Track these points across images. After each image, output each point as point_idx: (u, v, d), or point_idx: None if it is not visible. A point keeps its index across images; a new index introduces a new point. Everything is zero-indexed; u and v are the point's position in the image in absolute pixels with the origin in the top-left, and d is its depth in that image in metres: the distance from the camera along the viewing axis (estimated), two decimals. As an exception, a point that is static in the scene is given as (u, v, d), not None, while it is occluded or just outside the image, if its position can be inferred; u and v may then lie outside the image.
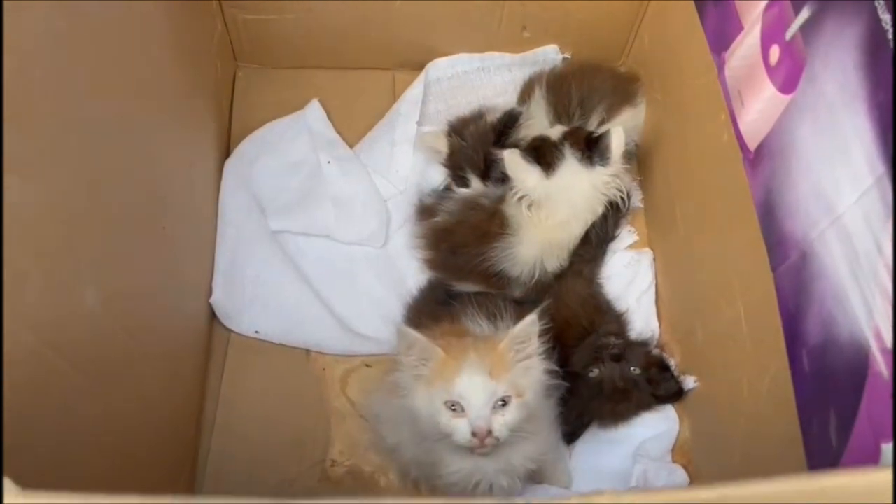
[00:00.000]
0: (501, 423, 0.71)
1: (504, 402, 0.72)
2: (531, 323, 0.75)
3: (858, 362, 0.55)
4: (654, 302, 1.00)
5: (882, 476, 0.34)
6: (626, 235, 1.05)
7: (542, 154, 0.95)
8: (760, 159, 0.72)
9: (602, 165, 0.95)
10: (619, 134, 0.94)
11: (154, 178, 0.81)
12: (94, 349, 0.64)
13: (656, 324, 0.99)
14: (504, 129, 1.00)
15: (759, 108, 0.71)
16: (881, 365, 0.53)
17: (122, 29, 0.73)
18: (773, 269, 0.70)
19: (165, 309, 0.85)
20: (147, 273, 0.78)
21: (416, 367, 0.75)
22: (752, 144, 0.73)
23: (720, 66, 0.80)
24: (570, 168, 0.94)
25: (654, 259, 1.03)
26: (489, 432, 0.70)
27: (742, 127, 0.75)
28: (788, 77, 0.66)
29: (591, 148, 0.95)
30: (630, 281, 1.02)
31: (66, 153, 0.59)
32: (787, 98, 0.67)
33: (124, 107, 0.72)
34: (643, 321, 0.99)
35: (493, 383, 0.71)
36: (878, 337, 0.54)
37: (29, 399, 0.52)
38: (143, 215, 0.77)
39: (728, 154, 0.79)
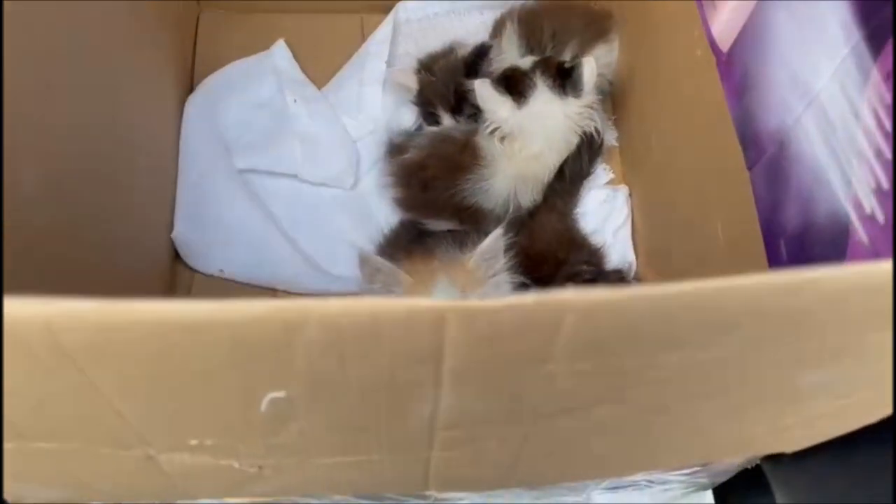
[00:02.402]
0: None
1: None
2: (497, 238, 0.74)
3: (838, 236, 0.53)
4: (630, 236, 0.98)
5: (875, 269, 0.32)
6: (602, 173, 1.03)
7: (514, 84, 0.93)
8: (734, 59, 0.70)
9: (574, 97, 0.93)
10: (590, 64, 0.92)
11: (110, 103, 0.78)
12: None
13: (633, 256, 0.97)
14: (475, 61, 0.98)
15: (732, 6, 0.69)
16: (861, 233, 0.51)
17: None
18: (749, 168, 0.67)
19: (123, 242, 0.82)
20: (102, 203, 0.75)
21: (382, 296, 0.72)
22: (726, 45, 0.71)
23: (692, -25, 0.78)
24: (543, 97, 0.92)
25: (630, 195, 1.01)
26: None
27: (715, 30, 0.73)
28: (760, -36, 0.64)
29: (563, 77, 0.93)
30: (606, 217, 1.00)
31: (14, 79, 0.56)
32: (759, -11, 0.65)
33: (77, 32, 0.69)
34: (620, 255, 0.97)
35: None
36: (858, 206, 0.52)
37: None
38: (97, 141, 0.74)
39: (702, 68, 0.77)
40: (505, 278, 0.77)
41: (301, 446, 0.41)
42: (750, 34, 0.67)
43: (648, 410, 0.42)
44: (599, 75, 0.97)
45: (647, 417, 0.44)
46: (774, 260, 0.63)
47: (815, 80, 0.58)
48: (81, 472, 0.45)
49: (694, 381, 0.39)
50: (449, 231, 0.97)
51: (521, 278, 0.80)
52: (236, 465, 0.43)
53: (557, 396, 0.37)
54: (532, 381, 0.35)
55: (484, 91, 0.92)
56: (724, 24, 0.71)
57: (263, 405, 0.36)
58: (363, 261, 0.72)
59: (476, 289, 0.71)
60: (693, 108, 0.81)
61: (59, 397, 0.36)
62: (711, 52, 0.74)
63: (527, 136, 0.93)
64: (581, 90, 0.93)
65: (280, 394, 0.35)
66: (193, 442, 0.41)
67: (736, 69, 0.69)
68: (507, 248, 0.78)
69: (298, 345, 0.31)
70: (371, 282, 0.73)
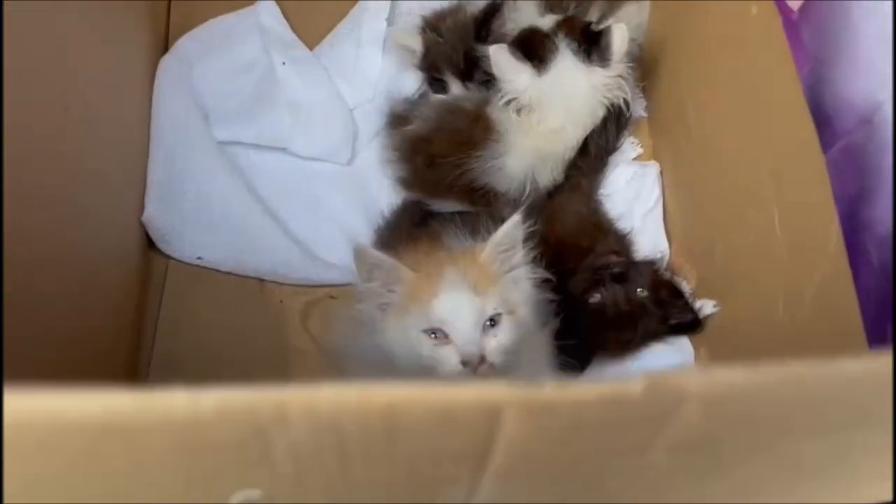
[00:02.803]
0: (495, 345, 0.60)
1: (493, 322, 0.60)
2: (514, 225, 0.63)
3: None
4: (662, 220, 0.88)
5: None
6: (629, 147, 0.92)
7: (533, 47, 0.82)
8: (807, 18, 0.58)
9: (601, 67, 0.81)
10: (621, 31, 0.80)
11: (69, 66, 0.66)
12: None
13: (665, 244, 0.86)
14: (485, 20, 0.86)
15: (807, -46, 0.58)
16: None
17: None
18: (825, 151, 0.57)
19: (87, 227, 0.70)
20: (61, 184, 0.64)
21: (381, 295, 0.62)
22: (797, 2, 0.60)
23: (751, -82, 0.66)
24: (566, 63, 0.81)
25: (661, 172, 0.90)
26: (482, 358, 0.59)
27: (781, -15, 0.62)
28: None
29: (589, 42, 0.81)
30: (634, 197, 0.89)
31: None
32: (846, -68, 0.53)
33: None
34: (650, 242, 0.86)
35: (479, 299, 0.60)
36: None
37: None
38: (55, 110, 0.63)
39: (758, 29, 0.66)
40: (524, 273, 0.66)
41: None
42: (830, -12, 0.56)
43: (736, 495, 0.32)
44: (630, 40, 0.86)
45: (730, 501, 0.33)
46: (860, 266, 0.52)
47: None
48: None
49: (818, 467, 0.29)
50: (457, 213, 0.85)
51: (543, 273, 0.69)
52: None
53: (645, 488, 0.27)
54: (617, 475, 0.25)
55: (500, 58, 0.80)
56: (796, -24, 0.60)
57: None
58: (359, 255, 0.62)
59: (490, 286, 0.61)
60: (745, 75, 0.70)
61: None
62: (775, 10, 0.62)
63: (546, 108, 0.81)
64: (609, 60, 0.81)
65: (253, 493, 0.25)
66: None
67: (810, 32, 0.58)
68: (527, 238, 0.67)
69: (278, 445, 0.21)
70: (368, 279, 0.62)
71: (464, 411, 0.19)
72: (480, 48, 0.83)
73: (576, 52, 0.81)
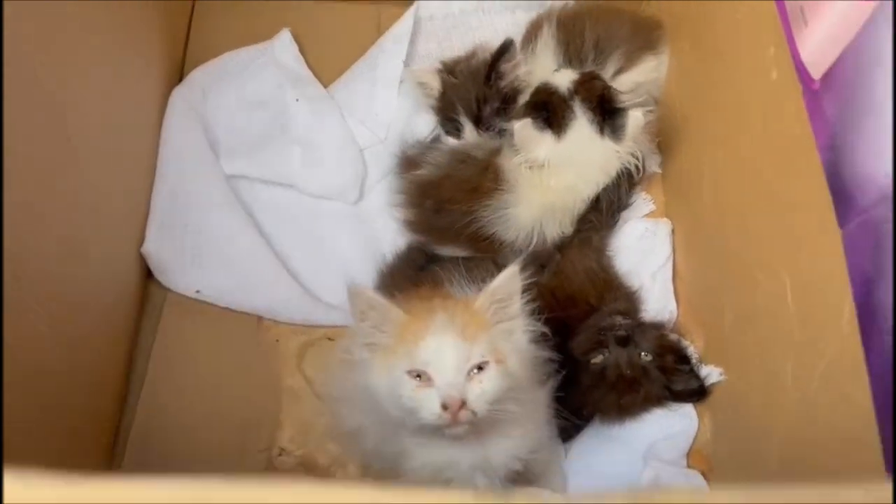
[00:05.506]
0: (478, 392, 0.58)
1: (480, 369, 0.59)
2: (512, 276, 0.62)
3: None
4: (671, 279, 0.86)
5: None
6: (641, 203, 0.91)
7: (552, 112, 0.81)
8: (829, 87, 0.57)
9: (613, 141, 0.81)
10: (636, 120, 0.80)
11: (74, 95, 0.66)
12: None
13: (674, 305, 0.84)
14: (493, 63, 0.85)
15: (831, 24, 0.56)
16: None
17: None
18: (842, 226, 0.55)
19: (84, 257, 0.70)
20: (59, 209, 0.64)
21: (371, 335, 0.62)
22: (818, 71, 0.58)
23: (774, -16, 0.65)
24: (581, 129, 0.81)
25: (673, 231, 0.88)
26: (463, 403, 0.58)
27: (804, 53, 0.61)
28: (877, -25, 0.51)
29: (604, 115, 0.81)
30: (644, 254, 0.87)
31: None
32: (871, 4, 0.52)
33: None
34: (659, 301, 0.84)
35: (465, 344, 0.59)
36: None
37: None
38: (55, 138, 0.63)
39: (777, 95, 0.65)
40: (519, 325, 0.64)
41: None
42: (854, 58, 0.54)
43: None
44: (645, 95, 0.86)
45: None
46: (875, 350, 0.50)
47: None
48: None
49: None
50: (462, 258, 0.84)
51: (541, 327, 0.67)
52: None
53: None
54: None
55: (525, 133, 0.79)
56: (818, 45, 0.58)
57: None
58: (354, 294, 0.62)
59: (480, 333, 0.60)
60: (761, 140, 0.69)
61: None
62: (797, 79, 0.61)
63: (559, 167, 0.81)
64: (622, 140, 0.81)
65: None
66: None
67: (831, 102, 0.56)
68: (526, 289, 0.65)
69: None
70: (362, 319, 0.62)
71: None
72: (505, 124, 0.83)
73: (591, 122, 0.80)
